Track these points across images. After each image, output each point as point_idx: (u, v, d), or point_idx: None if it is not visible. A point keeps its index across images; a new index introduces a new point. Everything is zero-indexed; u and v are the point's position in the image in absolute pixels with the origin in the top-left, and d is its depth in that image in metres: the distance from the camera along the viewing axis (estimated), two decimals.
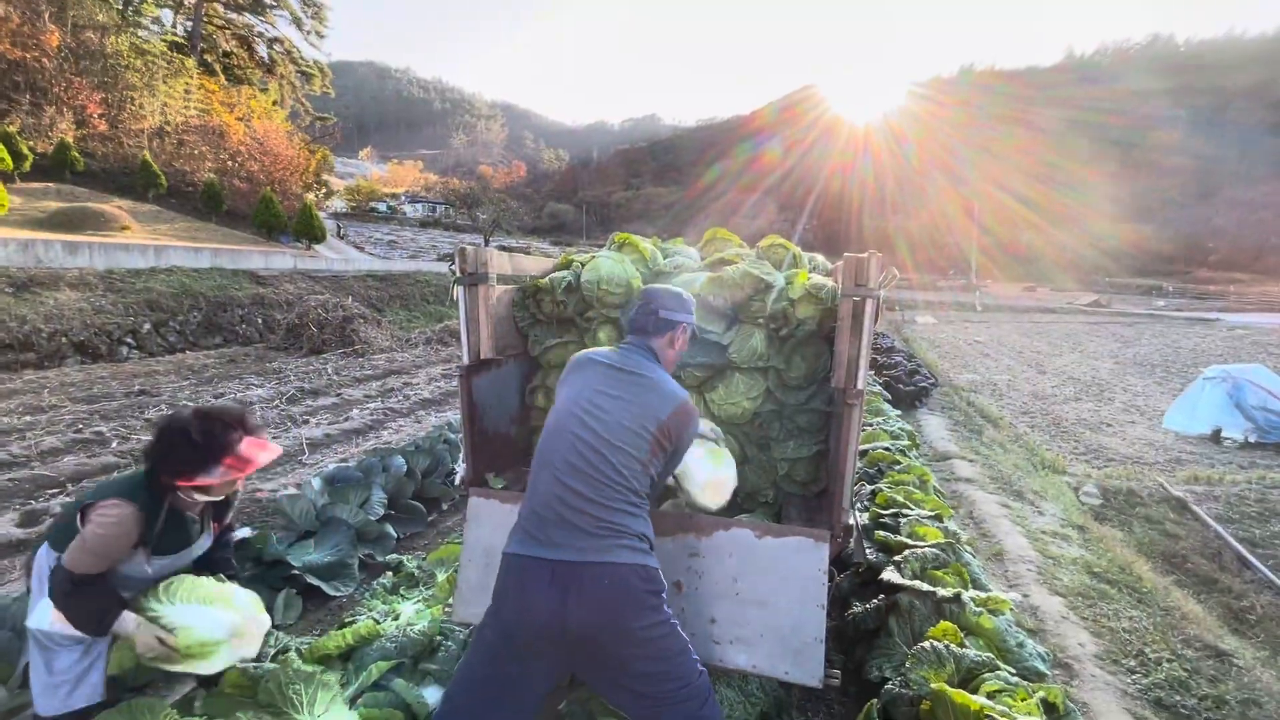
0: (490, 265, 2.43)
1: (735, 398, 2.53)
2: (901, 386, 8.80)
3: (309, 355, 11.90)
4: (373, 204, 63.51)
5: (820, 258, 3.19)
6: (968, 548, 3.13)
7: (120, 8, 33.76)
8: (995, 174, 74.01)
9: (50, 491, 4.75)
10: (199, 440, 1.81)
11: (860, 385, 2.00)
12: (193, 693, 2.41)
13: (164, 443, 1.83)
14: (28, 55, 25.67)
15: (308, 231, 25.68)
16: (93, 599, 1.79)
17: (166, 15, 39.46)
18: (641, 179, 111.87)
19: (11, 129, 23.05)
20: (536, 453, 1.77)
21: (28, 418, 6.75)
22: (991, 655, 2.11)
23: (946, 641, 2.13)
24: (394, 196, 71.97)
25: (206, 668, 1.99)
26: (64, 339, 10.24)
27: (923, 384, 9.16)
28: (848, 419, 1.99)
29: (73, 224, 19.27)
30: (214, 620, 1.97)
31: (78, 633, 1.85)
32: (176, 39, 37.49)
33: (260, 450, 1.93)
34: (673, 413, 1.77)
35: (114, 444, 5.87)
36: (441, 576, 3.16)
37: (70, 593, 1.76)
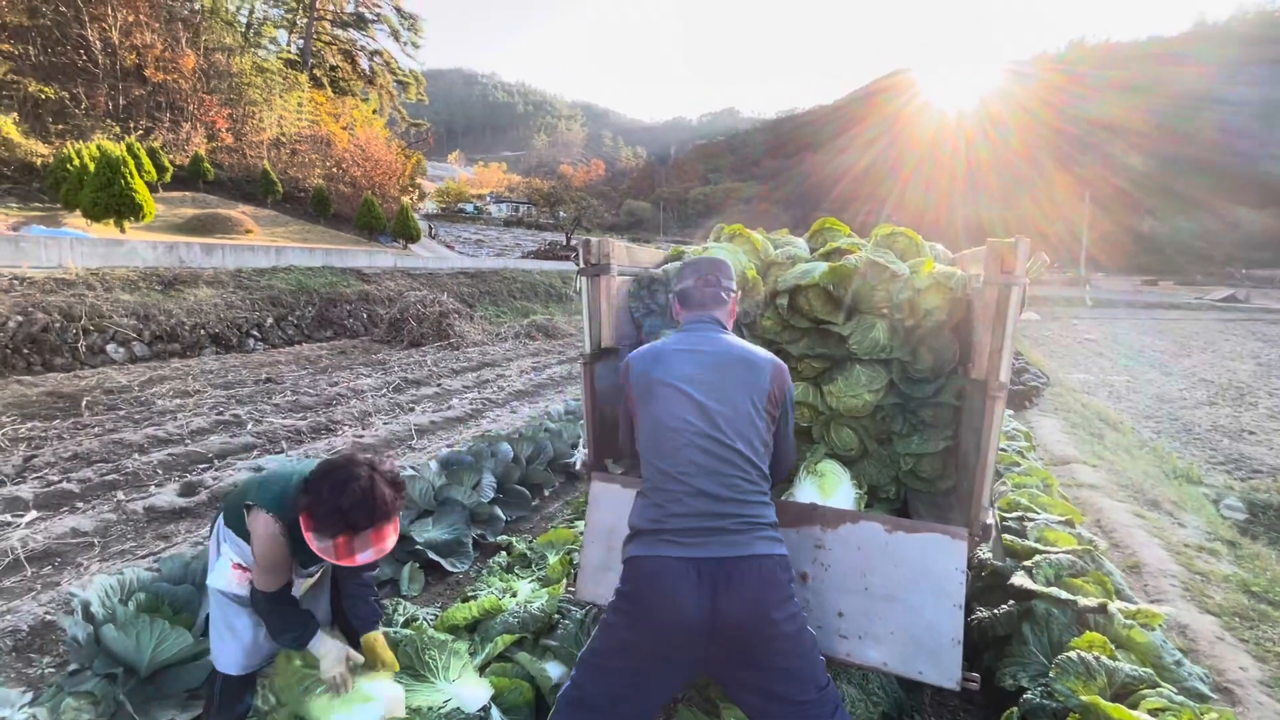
0: (612, 256, 2.49)
1: (856, 390, 2.47)
2: (1010, 386, 8.26)
3: (409, 348, 12.63)
4: (460, 205, 66.46)
5: (940, 246, 3.06)
6: (1105, 557, 2.91)
7: (244, 31, 37.03)
8: (1109, 157, 67.73)
9: (200, 467, 5.31)
10: (332, 507, 1.70)
11: (1004, 377, 1.91)
12: None
13: (316, 483, 1.75)
14: (168, 77, 28.69)
15: (404, 232, 27.22)
16: (290, 615, 1.93)
17: (282, 35, 42.91)
18: (720, 174, 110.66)
19: (156, 144, 25.85)
20: (650, 461, 1.69)
21: (177, 401, 7.56)
22: (1150, 671, 1.96)
23: (1096, 653, 2.00)
24: (480, 197, 74.99)
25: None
26: (202, 331, 11.39)
27: (1033, 383, 8.57)
28: (989, 413, 1.90)
29: (205, 228, 21.37)
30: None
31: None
32: (290, 56, 40.73)
33: (370, 547, 1.77)
34: (772, 377, 1.75)
35: (249, 425, 6.47)
36: (553, 558, 3.28)
37: (271, 610, 1.92)
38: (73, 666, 2.42)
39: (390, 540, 1.83)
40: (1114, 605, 2.28)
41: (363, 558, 1.75)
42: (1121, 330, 21.66)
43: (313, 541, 1.74)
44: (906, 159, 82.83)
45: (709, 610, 1.49)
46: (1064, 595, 2.33)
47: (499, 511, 4.12)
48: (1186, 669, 2.18)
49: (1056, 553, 2.72)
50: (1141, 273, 51.32)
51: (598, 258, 2.44)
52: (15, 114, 22.79)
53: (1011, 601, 2.53)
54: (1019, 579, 2.54)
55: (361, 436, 6.12)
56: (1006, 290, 1.88)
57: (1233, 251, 55.09)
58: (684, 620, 1.50)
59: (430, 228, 42.35)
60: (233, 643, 2.04)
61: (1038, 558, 2.67)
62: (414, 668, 2.40)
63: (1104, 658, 1.98)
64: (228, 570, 2.01)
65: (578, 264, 2.42)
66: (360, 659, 2.05)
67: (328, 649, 1.98)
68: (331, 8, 44.31)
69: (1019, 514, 3.17)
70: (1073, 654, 2.01)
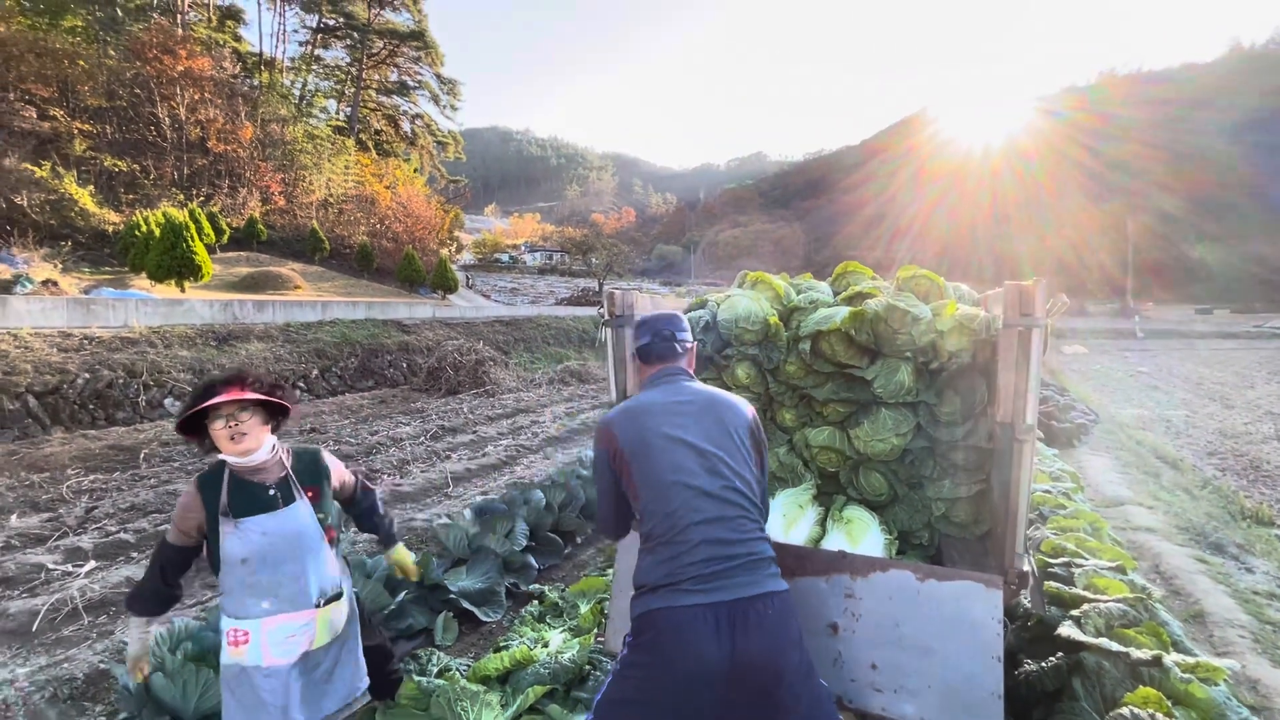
0: (635, 307, 2.57)
1: (883, 434, 2.46)
2: (1055, 423, 7.97)
3: (446, 395, 12.92)
4: (496, 255, 68.50)
5: (965, 287, 3.06)
6: (1161, 605, 2.76)
7: (297, 102, 39.77)
8: (1150, 186, 66.13)
9: None
10: (190, 393, 2.01)
11: (1030, 420, 1.89)
12: (372, 703, 2.66)
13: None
14: (228, 148, 30.87)
15: (443, 283, 28.17)
16: (153, 577, 1.99)
17: (331, 104, 45.92)
18: (749, 216, 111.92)
19: (215, 209, 27.65)
20: (656, 516, 1.67)
21: None
22: None
23: (1150, 710, 1.89)
24: (515, 247, 77.27)
25: None
26: None
27: (1080, 420, 8.25)
28: (1018, 456, 1.88)
29: (258, 285, 22.54)
30: None
31: (246, 660, 1.94)
32: (339, 123, 43.44)
33: (234, 395, 1.93)
34: (752, 417, 1.83)
35: None
36: (585, 608, 3.27)
37: (155, 560, 2.00)
38: (123, 715, 2.50)
39: (246, 395, 1.95)
40: (1170, 658, 2.16)
41: (219, 399, 1.90)
42: (1176, 362, 20.72)
43: (212, 437, 1.94)
44: (935, 195, 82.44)
45: (729, 653, 1.49)
46: (1115, 647, 2.22)
47: (531, 560, 4.14)
48: None
49: (1107, 601, 2.59)
50: (1194, 302, 49.25)
51: (621, 309, 2.52)
52: (91, 186, 24.74)
53: (1060, 654, 2.42)
54: (1067, 629, 2.42)
55: (400, 485, 6.25)
56: (1027, 332, 1.88)
57: None
58: (704, 668, 1.49)
59: (468, 278, 43.68)
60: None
61: (1086, 607, 2.55)
62: (445, 719, 2.41)
63: (1160, 715, 1.88)
64: (224, 641, 1.96)
65: (602, 316, 2.50)
66: (146, 669, 2.07)
67: (136, 638, 2.05)
68: (377, 78, 47.34)
69: (1065, 560, 3.04)
70: (1125, 710, 1.90)
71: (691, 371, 1.97)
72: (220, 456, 1.97)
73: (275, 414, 2.08)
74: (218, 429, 1.93)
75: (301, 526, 2.02)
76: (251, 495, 1.97)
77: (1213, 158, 66.91)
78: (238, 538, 1.91)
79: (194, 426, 1.96)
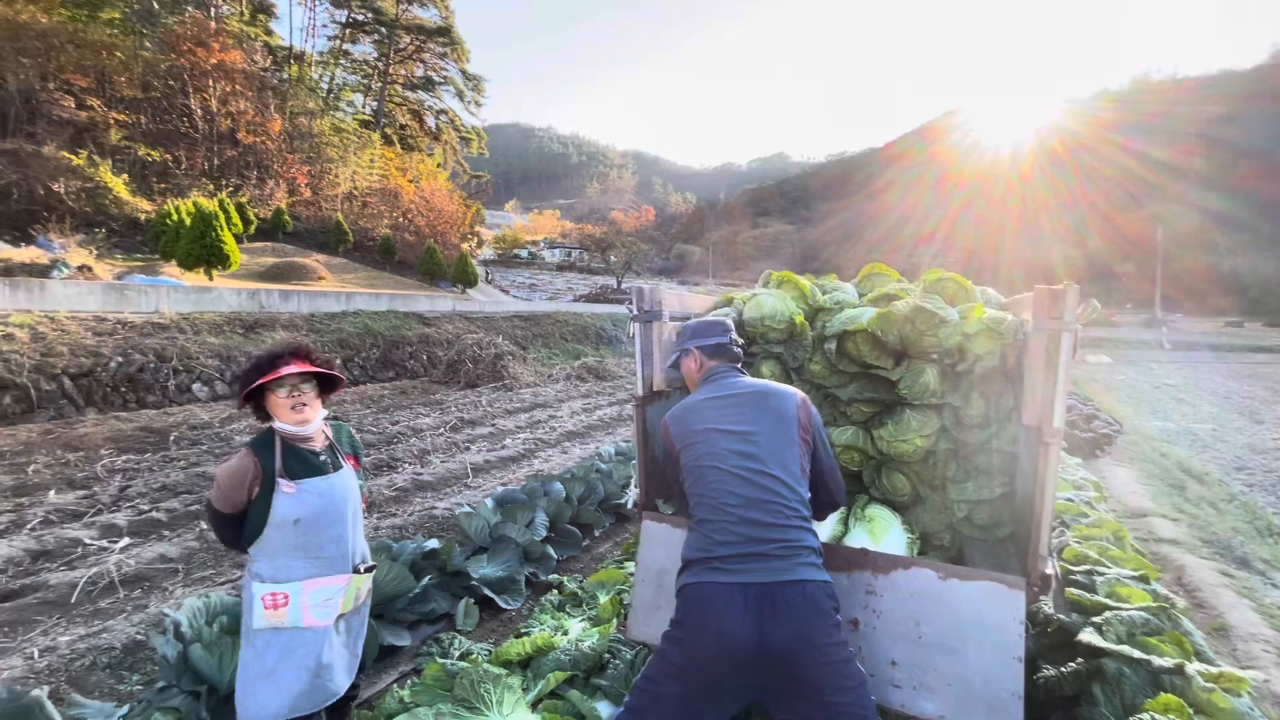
0: (664, 304, 2.61)
1: (907, 435, 2.47)
2: (1079, 433, 7.86)
3: (466, 388, 13.05)
4: (516, 251, 68.98)
5: (991, 291, 3.06)
6: (1184, 615, 2.74)
7: (324, 96, 40.35)
8: (1184, 194, 64.63)
9: None
10: (251, 362, 2.04)
11: (1058, 423, 1.89)
12: (402, 678, 2.74)
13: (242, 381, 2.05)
14: (257, 140, 31.44)
15: (463, 277, 28.45)
16: (228, 526, 2.05)
17: (358, 99, 46.51)
18: (769, 217, 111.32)
19: (244, 199, 28.17)
20: (696, 496, 1.81)
21: (252, 437, 8.05)
22: None
23: (1172, 717, 1.89)
24: (534, 243, 77.75)
25: None
26: None
27: (1104, 430, 8.13)
28: (1044, 459, 1.88)
29: (283, 276, 22.93)
30: None
31: (274, 621, 1.98)
32: (365, 117, 43.99)
33: (301, 366, 2.01)
34: (798, 405, 1.91)
35: None
36: (604, 598, 3.32)
37: (215, 520, 2.06)
38: (161, 683, 2.60)
39: (310, 367, 2.04)
40: (1192, 666, 2.15)
41: (287, 370, 1.98)
42: (1204, 374, 20.25)
43: (270, 406, 2.02)
44: (963, 199, 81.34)
45: (756, 635, 1.55)
46: (1137, 654, 2.21)
47: (551, 550, 4.20)
48: None
49: (1129, 609, 2.58)
50: (1225, 314, 48.10)
51: (650, 305, 2.56)
52: (125, 175, 25.34)
53: (1080, 660, 2.41)
54: (1088, 636, 2.42)
55: (420, 474, 6.35)
56: (1056, 336, 1.89)
57: None
58: (732, 645, 1.55)
59: (487, 273, 44.04)
60: (266, 686, 1.96)
61: (1108, 614, 2.54)
62: (468, 700, 2.47)
63: None
64: (258, 606, 1.98)
65: (631, 311, 2.55)
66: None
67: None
68: (403, 73, 47.85)
69: (1087, 568, 3.03)
70: (1145, 716, 1.91)
71: (741, 369, 2.13)
72: (274, 425, 2.04)
73: (327, 388, 2.18)
74: (280, 398, 2.01)
75: (349, 491, 2.14)
76: (304, 460, 2.07)
77: (1249, 166, 65.25)
78: (296, 498, 1.99)
79: (248, 394, 2.02)
